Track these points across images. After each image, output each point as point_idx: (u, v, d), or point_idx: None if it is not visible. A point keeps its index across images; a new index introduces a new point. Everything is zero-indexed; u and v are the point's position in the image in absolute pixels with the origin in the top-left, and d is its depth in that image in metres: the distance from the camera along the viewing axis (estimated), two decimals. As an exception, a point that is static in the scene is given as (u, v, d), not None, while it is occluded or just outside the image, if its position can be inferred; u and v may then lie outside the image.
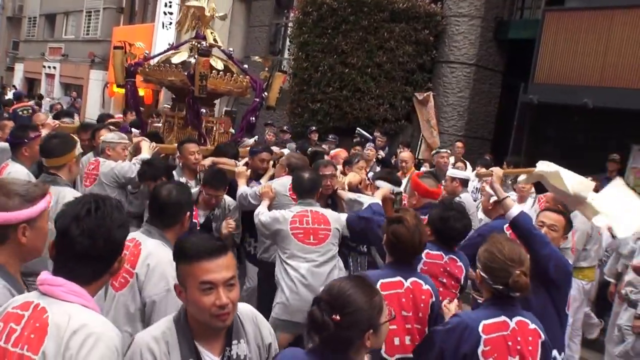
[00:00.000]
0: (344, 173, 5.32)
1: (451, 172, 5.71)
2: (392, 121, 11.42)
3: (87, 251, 1.74)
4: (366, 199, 4.36)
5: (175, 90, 5.89)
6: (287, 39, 14.58)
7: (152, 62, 6.16)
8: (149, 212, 2.87)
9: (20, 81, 27.07)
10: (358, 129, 10.14)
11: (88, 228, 1.75)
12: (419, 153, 11.37)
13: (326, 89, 11.53)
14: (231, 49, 6.18)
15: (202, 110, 5.51)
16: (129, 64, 5.82)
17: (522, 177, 4.06)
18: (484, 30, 11.28)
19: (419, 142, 11.51)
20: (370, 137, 9.91)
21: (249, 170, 5.11)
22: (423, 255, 3.18)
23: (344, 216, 4.10)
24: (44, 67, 25.50)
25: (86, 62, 22.13)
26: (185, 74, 5.38)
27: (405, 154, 7.94)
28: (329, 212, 4.09)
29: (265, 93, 6.01)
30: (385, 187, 4.16)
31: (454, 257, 3.36)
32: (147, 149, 5.02)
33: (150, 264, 2.61)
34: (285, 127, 11.15)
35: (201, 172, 4.88)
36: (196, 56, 5.36)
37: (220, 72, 5.66)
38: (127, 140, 5.21)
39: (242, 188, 4.65)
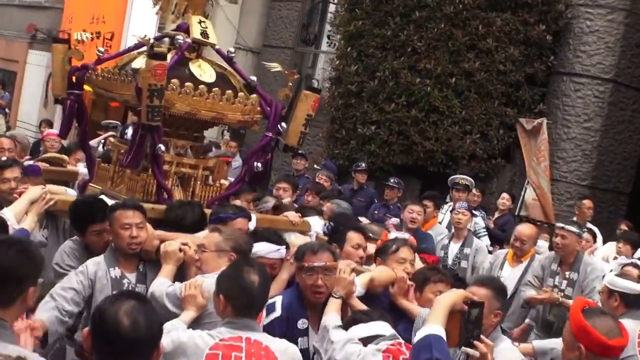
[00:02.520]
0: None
1: (611, 281, 5.08)
2: (483, 159, 11.12)
3: None
4: (380, 328, 3.72)
5: (135, 112, 5.62)
6: (329, 24, 14.44)
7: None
8: (102, 351, 2.67)
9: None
10: (461, 176, 9.81)
11: None
12: (520, 208, 10.94)
13: (386, 106, 11.27)
14: (232, 50, 5.71)
15: (159, 146, 5.07)
16: (72, 68, 5.49)
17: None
18: (629, 29, 10.97)
19: (522, 193, 11.02)
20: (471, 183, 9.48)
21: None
22: None
23: None
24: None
25: (24, 39, 21.65)
26: (135, 87, 5.05)
27: (525, 229, 7.23)
28: (279, 344, 3.55)
29: (284, 124, 5.49)
30: (453, 295, 3.52)
31: None
32: (27, 201, 4.58)
33: None
34: (323, 163, 10.67)
35: (146, 260, 4.48)
36: (145, 60, 4.99)
37: (202, 87, 5.16)
38: None
39: (159, 282, 4.21)
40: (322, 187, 8.63)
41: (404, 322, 4.31)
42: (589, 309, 3.58)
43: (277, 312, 4.14)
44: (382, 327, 3.76)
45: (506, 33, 10.90)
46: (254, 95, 5.51)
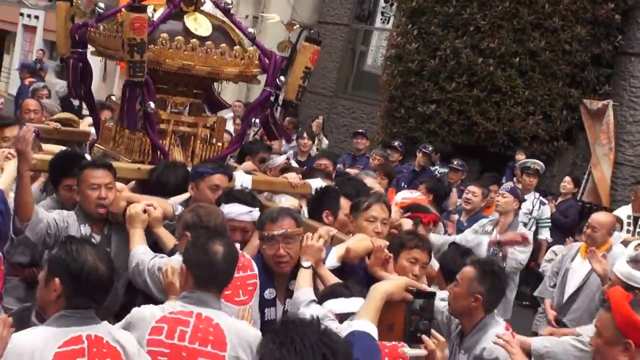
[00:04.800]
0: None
1: (630, 275, 4.53)
2: (545, 140, 11.05)
3: None
4: (359, 305, 3.31)
5: None
6: (384, 1, 14.48)
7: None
8: (79, 296, 2.94)
9: (-13, 33, 27.42)
10: (533, 160, 9.31)
11: None
12: (582, 193, 10.74)
13: (447, 85, 11.24)
14: (229, 1, 5.45)
15: (149, 103, 4.97)
16: (74, 26, 5.37)
17: None
18: (701, 9, 10.74)
19: (585, 177, 10.91)
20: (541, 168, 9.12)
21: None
22: None
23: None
24: (22, 15, 25.51)
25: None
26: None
27: (598, 216, 6.60)
28: (233, 324, 3.32)
29: (282, 78, 5.33)
30: (391, 283, 3.26)
31: None
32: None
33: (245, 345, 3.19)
34: (397, 143, 10.43)
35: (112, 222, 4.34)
36: (123, 11, 4.84)
37: (194, 40, 4.99)
38: None
39: (138, 250, 4.02)
40: (389, 167, 8.42)
41: None
42: (634, 301, 3.24)
43: None
44: (361, 305, 3.40)
45: (573, 12, 10.79)
46: (252, 49, 5.30)
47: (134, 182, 4.85)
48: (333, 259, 4.06)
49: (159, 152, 5.12)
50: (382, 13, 15.02)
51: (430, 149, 10.16)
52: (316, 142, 11.23)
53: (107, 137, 5.47)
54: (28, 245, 4.49)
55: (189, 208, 4.12)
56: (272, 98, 5.35)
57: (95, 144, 5.55)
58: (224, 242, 3.40)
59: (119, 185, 4.45)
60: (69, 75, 5.50)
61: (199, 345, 3.18)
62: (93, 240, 4.15)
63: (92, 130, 6.02)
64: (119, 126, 5.36)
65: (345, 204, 4.78)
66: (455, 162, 9.60)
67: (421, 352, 3.06)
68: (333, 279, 3.84)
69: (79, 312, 2.89)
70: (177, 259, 3.73)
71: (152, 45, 4.87)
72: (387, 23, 14.82)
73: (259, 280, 3.87)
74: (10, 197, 4.11)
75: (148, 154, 5.11)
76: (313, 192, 5.22)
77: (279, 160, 6.37)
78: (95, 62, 5.78)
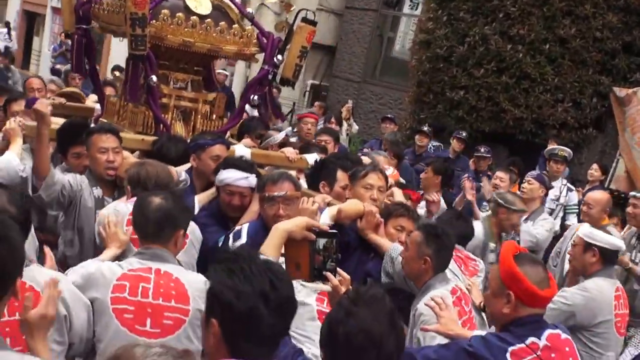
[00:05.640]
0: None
1: (590, 234, 4.86)
2: (574, 128, 11.02)
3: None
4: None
5: None
6: None
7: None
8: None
9: (17, 16, 27.42)
10: (560, 147, 9.19)
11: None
12: (610, 181, 10.64)
13: (475, 71, 11.23)
14: None
15: (152, 77, 5.16)
16: (78, 2, 5.55)
17: None
18: None
19: (614, 164, 10.64)
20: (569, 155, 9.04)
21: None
22: None
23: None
24: (51, -3, 25.88)
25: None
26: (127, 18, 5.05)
27: (594, 194, 6.91)
28: (192, 277, 3.43)
29: (280, 56, 5.52)
30: (291, 222, 3.38)
31: None
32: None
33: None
34: (425, 128, 10.39)
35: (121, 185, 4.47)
36: None
37: (194, 18, 5.20)
38: None
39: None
40: (399, 149, 8.55)
41: (374, 259, 4.30)
42: (520, 254, 3.34)
43: (243, 239, 4.04)
44: None
45: (605, -1, 10.70)
46: (250, 28, 5.54)
47: (138, 152, 5.02)
48: (326, 218, 4.22)
49: (161, 126, 5.30)
50: (411, 0, 15.03)
51: (464, 134, 10.12)
52: (345, 126, 11.30)
53: (112, 112, 5.68)
54: (36, 210, 4.53)
55: (134, 164, 4.32)
56: (269, 76, 5.59)
57: (100, 118, 5.72)
58: (164, 195, 3.48)
59: (125, 153, 4.65)
60: (73, 51, 5.68)
61: (163, 300, 3.27)
62: (105, 203, 4.38)
63: (97, 106, 6.16)
64: (122, 100, 5.56)
65: (341, 176, 4.92)
66: (482, 150, 9.56)
67: (324, 287, 3.15)
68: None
69: None
70: (110, 209, 4.01)
71: (154, 21, 5.05)
72: (416, 9, 14.85)
73: (258, 238, 3.83)
74: (27, 166, 4.43)
75: (151, 127, 5.31)
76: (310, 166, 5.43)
77: (279, 137, 6.51)
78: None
